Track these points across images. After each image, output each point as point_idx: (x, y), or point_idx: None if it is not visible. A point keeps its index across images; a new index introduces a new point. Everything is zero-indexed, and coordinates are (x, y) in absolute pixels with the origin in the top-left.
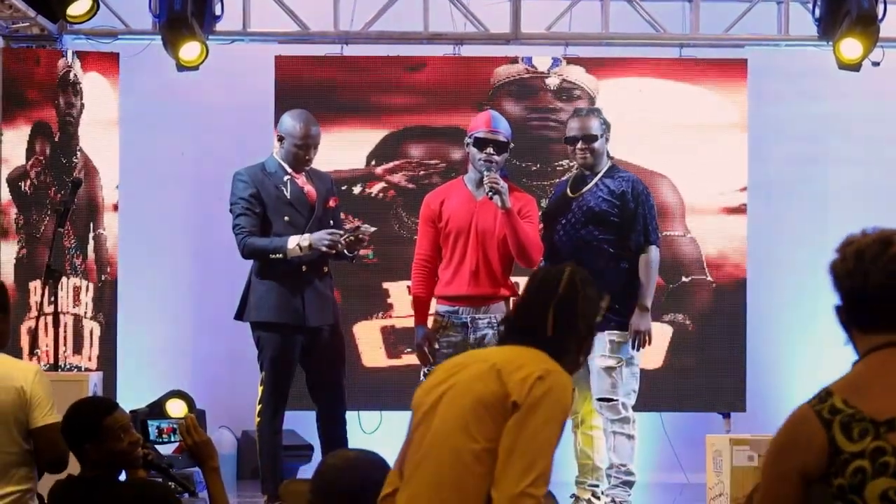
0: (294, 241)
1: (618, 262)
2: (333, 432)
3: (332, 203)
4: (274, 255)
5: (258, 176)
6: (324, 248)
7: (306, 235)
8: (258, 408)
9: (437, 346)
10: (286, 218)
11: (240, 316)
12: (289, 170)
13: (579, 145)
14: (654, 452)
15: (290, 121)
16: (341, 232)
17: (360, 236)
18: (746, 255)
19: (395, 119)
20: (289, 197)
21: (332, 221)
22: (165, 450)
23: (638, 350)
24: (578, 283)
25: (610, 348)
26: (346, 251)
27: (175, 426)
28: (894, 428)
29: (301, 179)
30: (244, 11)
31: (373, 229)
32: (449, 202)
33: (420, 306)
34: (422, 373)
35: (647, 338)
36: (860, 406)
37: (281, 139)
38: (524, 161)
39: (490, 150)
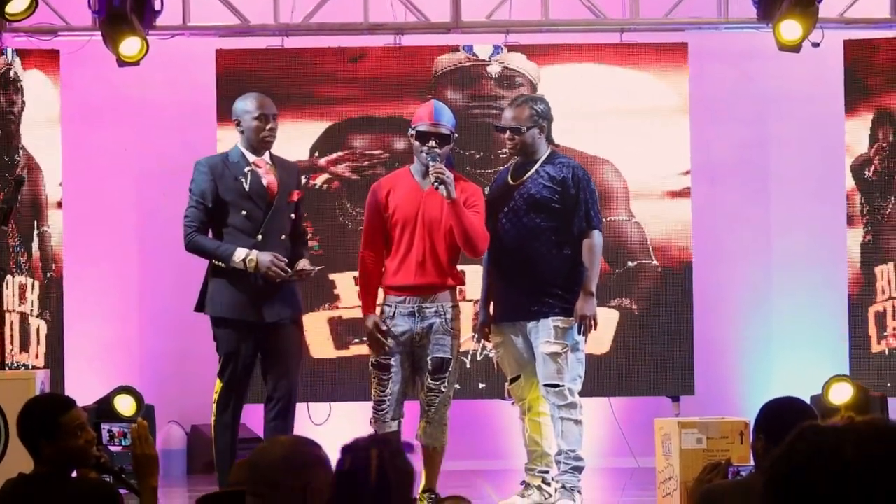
0: (240, 256)
1: (561, 249)
2: (279, 428)
3: (294, 196)
4: (216, 262)
5: (218, 167)
6: (269, 275)
7: (253, 255)
8: (214, 401)
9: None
10: (244, 212)
11: (201, 308)
12: (251, 158)
13: (507, 135)
14: (603, 437)
15: (242, 101)
16: (288, 270)
17: (304, 277)
18: (691, 238)
19: (338, 110)
20: (247, 189)
21: (292, 215)
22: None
23: (584, 335)
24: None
25: (555, 334)
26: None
27: (126, 430)
28: None
29: (264, 168)
30: (184, 6)
31: (317, 269)
32: (395, 192)
33: (368, 296)
34: (370, 363)
35: (592, 322)
36: None
37: (238, 122)
38: (467, 149)
39: (432, 142)
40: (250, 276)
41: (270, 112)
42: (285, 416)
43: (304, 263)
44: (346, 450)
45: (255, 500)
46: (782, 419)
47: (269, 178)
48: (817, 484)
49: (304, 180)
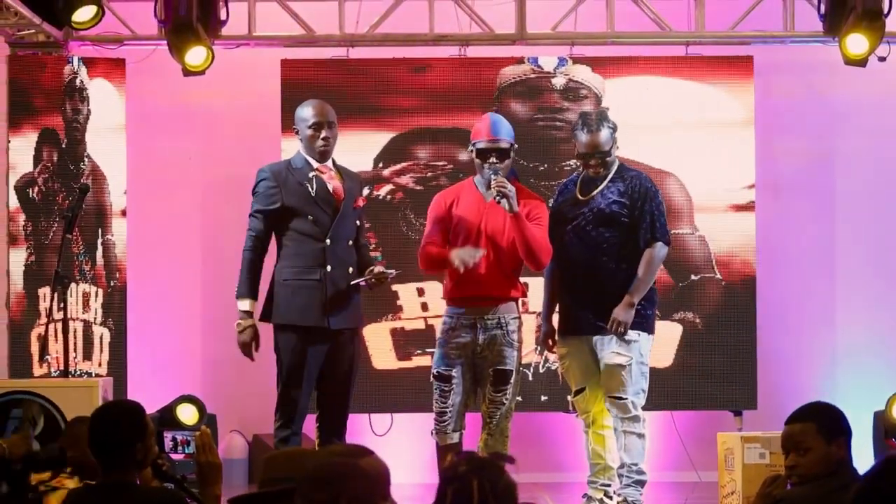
0: (241, 307)
1: (627, 263)
2: (331, 440)
3: (360, 203)
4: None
5: (282, 173)
6: (241, 348)
7: (246, 322)
8: (276, 416)
9: (446, 347)
10: (310, 217)
11: (267, 317)
12: (315, 164)
13: (592, 161)
14: (665, 451)
15: (301, 108)
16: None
17: (383, 281)
18: (755, 252)
19: (402, 121)
20: (314, 194)
21: (357, 222)
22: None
23: (640, 346)
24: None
25: (620, 347)
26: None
27: (190, 439)
28: None
29: (328, 174)
30: (249, 15)
31: (395, 273)
32: (459, 203)
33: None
34: (431, 374)
35: (621, 329)
36: None
37: (296, 132)
38: (531, 161)
39: (493, 158)
40: (318, 283)
41: (326, 120)
42: (341, 434)
43: (380, 267)
44: (447, 480)
45: None
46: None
47: (334, 184)
48: None
49: (367, 191)
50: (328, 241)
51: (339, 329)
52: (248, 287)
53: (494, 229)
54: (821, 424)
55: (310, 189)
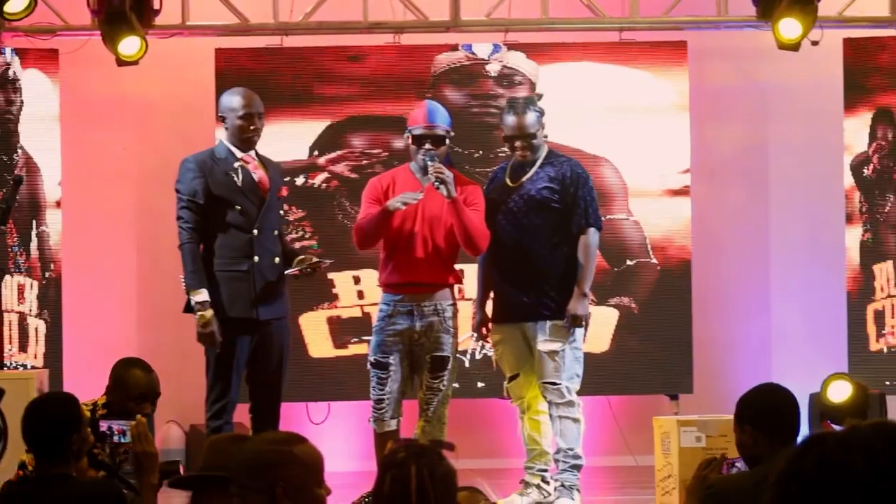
0: (198, 298)
1: (560, 248)
2: (264, 429)
3: (283, 192)
4: (182, 281)
5: (207, 163)
6: (200, 339)
7: (209, 313)
8: (206, 407)
9: (382, 334)
10: (237, 207)
11: (190, 309)
12: (238, 154)
13: (518, 143)
14: (601, 436)
15: (228, 96)
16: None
17: (318, 269)
18: (691, 236)
19: (337, 109)
20: (240, 184)
21: (281, 211)
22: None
23: (573, 332)
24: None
25: (553, 333)
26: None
27: (126, 428)
28: None
29: (252, 164)
30: (183, 5)
31: (329, 262)
32: (395, 188)
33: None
34: (368, 362)
35: (583, 323)
36: None
37: (223, 119)
38: (466, 148)
39: (428, 145)
40: (245, 274)
41: (256, 111)
42: (275, 423)
43: (314, 257)
44: (385, 466)
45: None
46: (770, 406)
47: (259, 174)
48: (827, 498)
49: (302, 179)
50: (255, 231)
51: (266, 319)
52: (199, 277)
53: (432, 215)
54: (736, 410)
55: (236, 179)
